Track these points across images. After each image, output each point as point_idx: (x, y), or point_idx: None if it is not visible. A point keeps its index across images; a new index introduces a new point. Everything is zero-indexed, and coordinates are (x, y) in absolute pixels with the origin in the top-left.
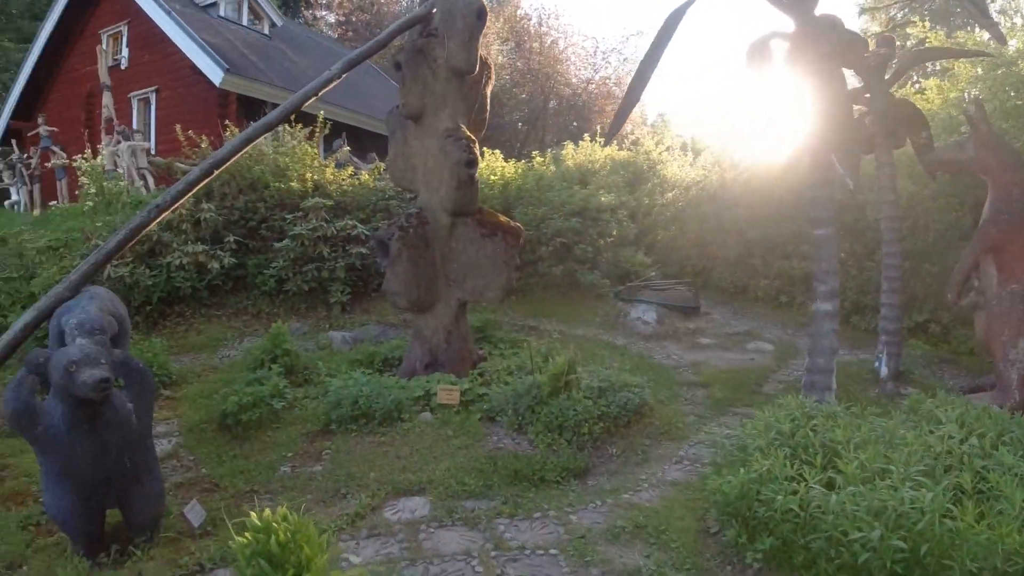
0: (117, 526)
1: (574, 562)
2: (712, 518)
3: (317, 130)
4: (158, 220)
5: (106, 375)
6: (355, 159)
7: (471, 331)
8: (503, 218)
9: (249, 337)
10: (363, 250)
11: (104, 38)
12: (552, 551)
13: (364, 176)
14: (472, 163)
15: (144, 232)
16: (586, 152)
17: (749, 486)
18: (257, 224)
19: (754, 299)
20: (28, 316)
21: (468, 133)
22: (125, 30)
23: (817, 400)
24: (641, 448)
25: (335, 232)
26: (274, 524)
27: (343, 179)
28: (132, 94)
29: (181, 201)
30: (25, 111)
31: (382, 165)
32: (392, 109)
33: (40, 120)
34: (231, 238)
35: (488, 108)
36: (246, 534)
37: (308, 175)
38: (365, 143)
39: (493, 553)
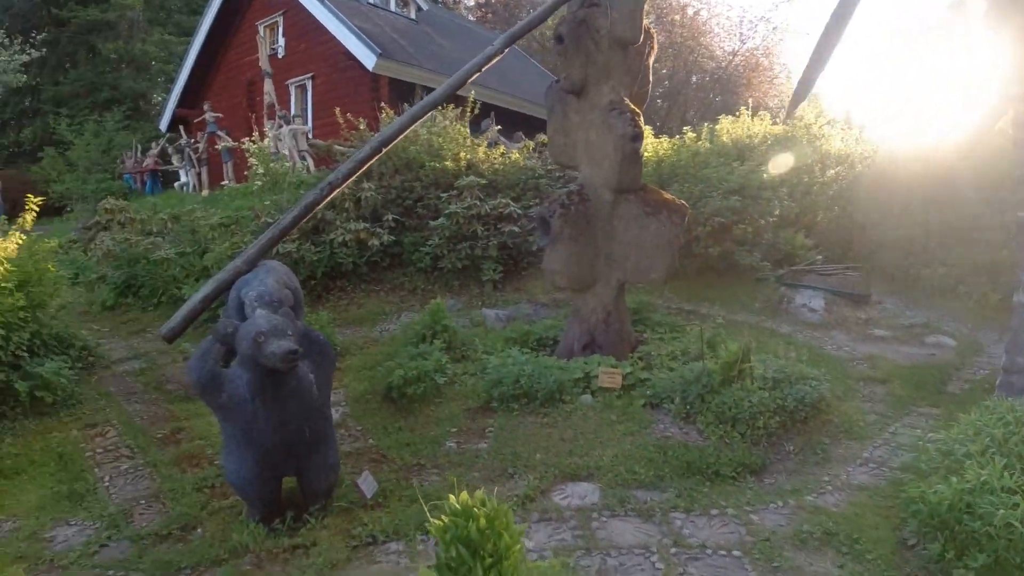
0: (291, 494)
1: (761, 567)
2: (910, 529)
3: (468, 110)
4: (329, 197)
5: (294, 347)
6: (502, 138)
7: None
8: (667, 195)
9: (406, 312)
10: (515, 228)
11: (261, 29)
12: (735, 552)
13: (514, 155)
14: (637, 137)
15: (317, 208)
16: (743, 126)
17: (961, 496)
18: (413, 203)
19: (928, 288)
20: (208, 288)
21: (632, 106)
22: (281, 20)
23: None
24: (820, 447)
25: (488, 211)
26: (475, 509)
27: (495, 158)
28: (289, 81)
29: (352, 178)
30: (189, 99)
31: (531, 144)
32: (551, 84)
33: (206, 107)
34: (389, 216)
35: (650, 80)
36: (443, 517)
37: (462, 154)
38: (511, 123)
39: (673, 550)
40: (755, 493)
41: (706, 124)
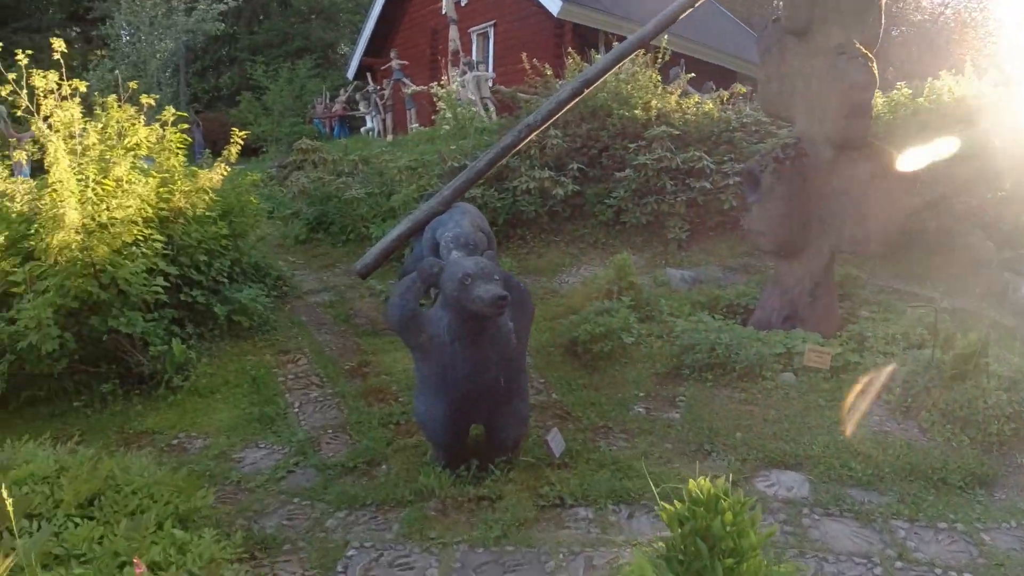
0: (474, 441)
1: None
2: None
3: (658, 57)
4: (527, 139)
5: (503, 292)
6: (691, 88)
7: None
8: (897, 155)
9: (586, 265)
10: (706, 184)
11: None
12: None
13: (707, 105)
14: (870, 86)
15: (515, 150)
16: (969, 85)
17: None
18: (598, 153)
19: None
20: (403, 226)
21: (864, 50)
22: None
23: None
24: None
25: (679, 164)
26: (721, 501)
27: (687, 108)
28: (471, 29)
29: (550, 121)
30: (375, 48)
31: (725, 94)
32: (767, 24)
33: (392, 55)
34: (574, 165)
35: (883, 21)
36: (678, 503)
37: (653, 103)
38: (700, 73)
39: (898, 564)
40: (985, 508)
41: (929, 79)
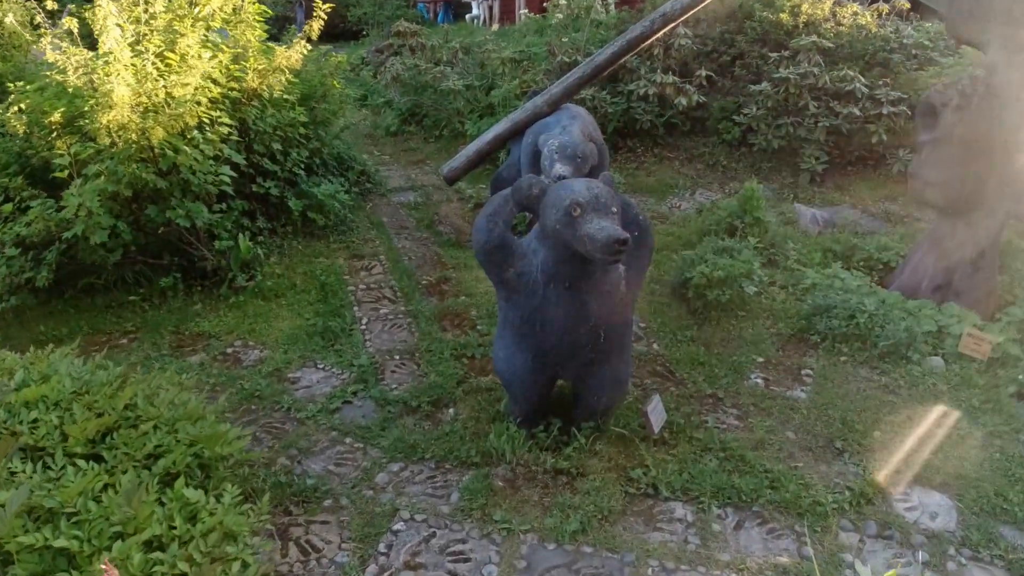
0: (560, 396)
1: None
2: None
3: None
4: (659, 34)
5: (624, 235)
6: None
7: None
8: None
9: (701, 190)
10: (855, 111)
11: None
12: None
13: (865, 18)
14: None
15: (643, 46)
16: None
17: None
18: (731, 60)
19: None
20: (500, 127)
21: None
22: None
23: None
24: None
25: (826, 83)
26: None
27: (844, 17)
28: None
29: (693, 11)
30: None
31: (884, 7)
32: None
33: None
34: (702, 72)
35: None
36: None
37: (804, 7)
38: None
39: None
40: None
41: None
